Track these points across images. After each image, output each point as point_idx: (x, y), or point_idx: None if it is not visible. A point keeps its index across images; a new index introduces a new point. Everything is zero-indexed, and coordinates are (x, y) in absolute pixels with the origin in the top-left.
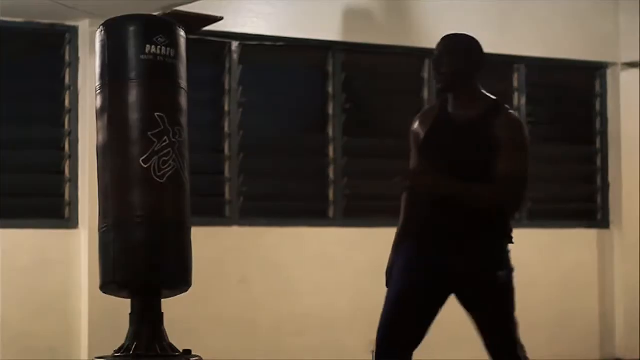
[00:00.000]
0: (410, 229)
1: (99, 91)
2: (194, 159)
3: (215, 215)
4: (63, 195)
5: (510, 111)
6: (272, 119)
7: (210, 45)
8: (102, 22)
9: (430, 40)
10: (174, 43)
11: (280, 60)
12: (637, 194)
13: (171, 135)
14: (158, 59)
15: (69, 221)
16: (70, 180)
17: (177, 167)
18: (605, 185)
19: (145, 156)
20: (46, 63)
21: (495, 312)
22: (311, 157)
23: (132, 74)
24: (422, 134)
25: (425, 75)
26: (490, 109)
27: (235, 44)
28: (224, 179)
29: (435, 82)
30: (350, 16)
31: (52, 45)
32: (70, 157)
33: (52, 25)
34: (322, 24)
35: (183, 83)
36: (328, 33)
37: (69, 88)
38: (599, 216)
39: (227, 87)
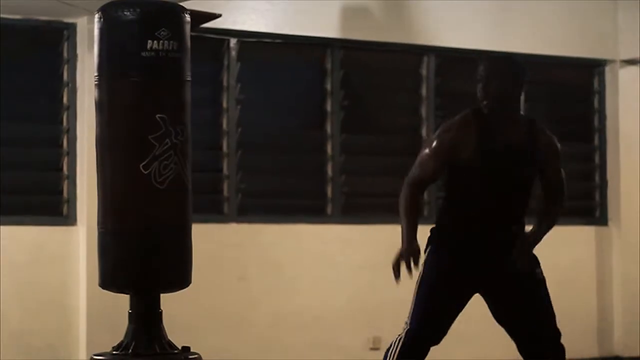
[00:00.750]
0: (450, 236)
1: (97, 82)
2: (193, 156)
3: (214, 212)
4: (61, 192)
5: (544, 127)
6: (270, 116)
7: (209, 43)
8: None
9: (428, 37)
10: (177, 34)
11: (279, 57)
12: (635, 191)
13: (173, 136)
14: (160, 54)
15: (67, 218)
16: (68, 178)
17: (179, 169)
18: (604, 182)
19: (145, 162)
20: (44, 60)
21: (541, 305)
22: (309, 154)
23: (133, 72)
24: (462, 151)
25: (424, 72)
26: (532, 130)
27: (233, 41)
28: (222, 176)
29: (484, 103)
30: (349, 13)
31: (50, 42)
32: (68, 154)
33: (50, 22)
34: (321, 21)
35: (187, 75)
36: (326, 30)
37: (67, 85)
38: (597, 213)
39: (225, 84)
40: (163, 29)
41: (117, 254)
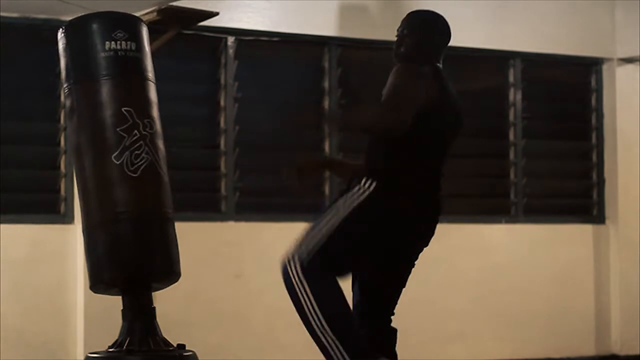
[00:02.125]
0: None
1: (66, 92)
2: (190, 154)
3: (211, 210)
4: (59, 190)
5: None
6: (268, 114)
7: (206, 41)
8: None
9: None
10: (134, 36)
11: (276, 55)
12: (632, 189)
13: (141, 128)
14: (119, 54)
15: (64, 216)
16: (65, 176)
17: (151, 159)
18: (601, 180)
19: (116, 152)
20: (42, 58)
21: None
22: (307, 153)
23: (96, 72)
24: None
25: None
26: None
27: (231, 39)
28: (220, 174)
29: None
30: (346, 11)
31: (47, 41)
32: (65, 152)
33: (47, 21)
34: (318, 19)
35: (149, 75)
36: (324, 28)
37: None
38: (595, 211)
39: (222, 82)
40: (119, 30)
41: (98, 248)
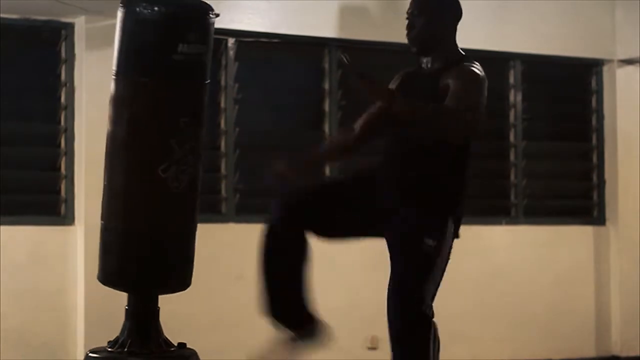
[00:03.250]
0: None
1: (116, 78)
2: None
3: (212, 212)
4: (59, 192)
5: (467, 64)
6: (268, 115)
7: None
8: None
9: None
10: (205, 38)
11: (277, 57)
12: (633, 191)
13: (192, 140)
14: (189, 58)
15: (65, 218)
16: (66, 177)
17: (194, 173)
18: (602, 182)
19: (164, 165)
20: (42, 59)
21: None
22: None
23: (161, 72)
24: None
25: None
26: (450, 63)
27: (231, 41)
28: (220, 175)
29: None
30: (347, 13)
31: (48, 42)
32: (66, 153)
33: (48, 22)
34: (318, 21)
35: (208, 76)
36: (324, 30)
37: (65, 85)
38: (595, 213)
39: (223, 83)
40: (194, 32)
41: (123, 253)
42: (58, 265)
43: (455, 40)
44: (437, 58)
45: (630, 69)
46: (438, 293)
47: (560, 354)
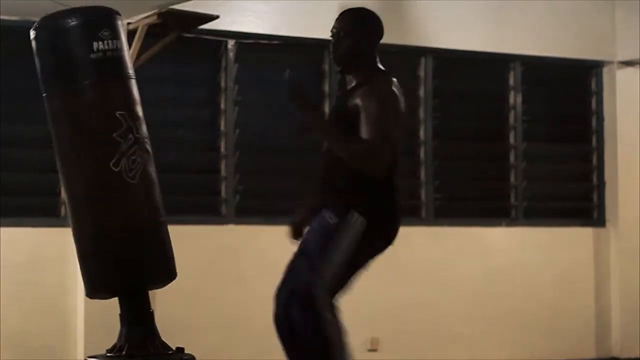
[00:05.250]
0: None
1: (49, 96)
2: (191, 157)
3: (211, 213)
4: (59, 193)
5: (378, 81)
6: (268, 117)
7: (206, 44)
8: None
9: (426, 38)
10: (117, 33)
11: (276, 58)
12: (633, 192)
13: (134, 131)
14: (107, 54)
15: (64, 219)
16: None
17: (145, 163)
18: (602, 183)
19: (114, 159)
20: None
21: None
22: (307, 156)
23: (85, 76)
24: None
25: (421, 73)
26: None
27: (231, 43)
28: (220, 177)
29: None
30: None
31: None
32: None
33: None
34: (318, 23)
35: (131, 72)
36: (324, 31)
37: None
38: (595, 214)
39: (223, 85)
40: (105, 29)
41: (100, 256)
42: (58, 267)
43: (375, 58)
44: (356, 76)
45: (630, 70)
46: (438, 294)
47: (561, 355)
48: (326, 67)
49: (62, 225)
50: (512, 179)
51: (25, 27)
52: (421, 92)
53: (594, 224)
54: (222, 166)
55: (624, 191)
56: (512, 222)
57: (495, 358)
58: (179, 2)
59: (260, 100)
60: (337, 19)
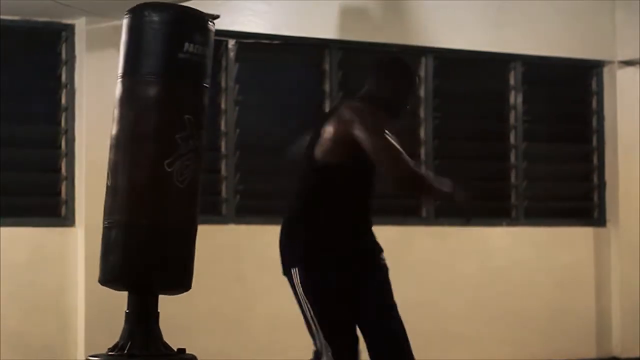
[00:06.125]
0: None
1: (123, 79)
2: None
3: (212, 213)
4: (59, 193)
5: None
6: (268, 117)
7: None
8: (128, 10)
9: (427, 38)
10: (207, 41)
11: (277, 58)
12: (633, 192)
13: (196, 139)
14: (194, 58)
15: (65, 219)
16: (66, 179)
17: (196, 172)
18: (602, 183)
19: (170, 159)
20: (42, 61)
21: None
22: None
23: (167, 72)
24: None
25: (422, 73)
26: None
27: (231, 42)
28: (221, 177)
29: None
30: (347, 14)
31: (48, 43)
32: (67, 155)
33: (48, 23)
34: (319, 22)
35: (208, 81)
36: (324, 31)
37: (66, 86)
38: (596, 214)
39: (223, 85)
40: (199, 33)
41: (126, 247)
42: (58, 266)
43: None
44: None
45: (630, 70)
46: (439, 294)
47: (561, 355)
48: (327, 66)
49: (63, 224)
50: (512, 178)
51: (25, 27)
52: (422, 92)
53: (594, 224)
54: (223, 166)
55: (625, 191)
56: (513, 222)
57: (495, 358)
58: (181, 1)
59: (261, 100)
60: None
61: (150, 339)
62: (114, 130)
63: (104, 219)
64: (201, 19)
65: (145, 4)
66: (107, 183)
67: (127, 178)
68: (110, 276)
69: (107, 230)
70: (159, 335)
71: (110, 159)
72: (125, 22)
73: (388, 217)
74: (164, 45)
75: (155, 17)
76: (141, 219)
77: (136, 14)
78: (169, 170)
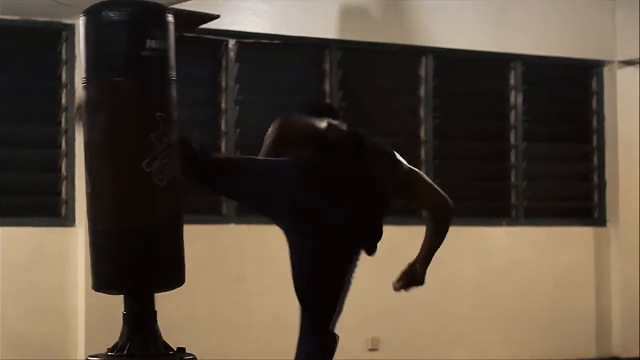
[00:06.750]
0: None
1: (88, 85)
2: None
3: (212, 213)
4: (60, 193)
5: None
6: (269, 117)
7: (207, 44)
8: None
9: (427, 38)
10: (166, 34)
11: (277, 58)
12: (633, 192)
13: (170, 135)
14: (157, 54)
15: (65, 219)
16: (67, 179)
17: (175, 168)
18: (602, 183)
19: (147, 160)
20: (43, 61)
21: None
22: None
23: (132, 71)
24: None
25: (422, 73)
26: None
27: (232, 42)
28: None
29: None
30: (347, 14)
31: (48, 43)
32: (67, 155)
33: (48, 24)
34: (319, 22)
35: (174, 74)
36: (325, 31)
37: (66, 86)
38: (596, 214)
39: (224, 85)
40: (158, 28)
41: (117, 254)
42: (59, 266)
43: None
44: None
45: (630, 70)
46: (439, 294)
47: (561, 355)
48: (327, 66)
49: (63, 224)
50: (513, 178)
51: (25, 27)
52: (422, 92)
53: (594, 224)
54: None
55: (625, 191)
56: (513, 222)
57: (496, 358)
58: (179, 2)
59: (261, 100)
60: None
61: (149, 339)
62: (86, 137)
63: (89, 226)
64: (160, 13)
65: (101, 3)
66: (86, 190)
67: (107, 184)
68: (103, 283)
69: (93, 237)
70: (159, 335)
71: (86, 166)
72: (81, 23)
73: (388, 217)
74: (126, 45)
75: (113, 16)
76: (126, 223)
77: (93, 14)
78: (148, 170)
